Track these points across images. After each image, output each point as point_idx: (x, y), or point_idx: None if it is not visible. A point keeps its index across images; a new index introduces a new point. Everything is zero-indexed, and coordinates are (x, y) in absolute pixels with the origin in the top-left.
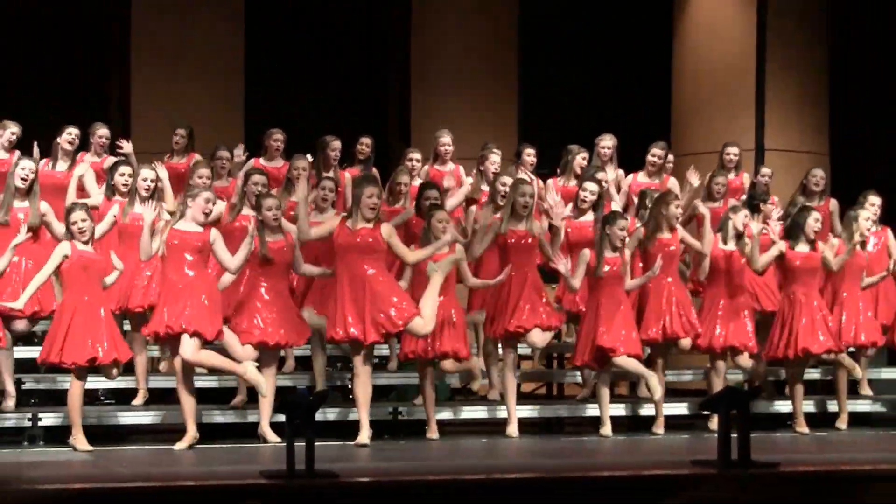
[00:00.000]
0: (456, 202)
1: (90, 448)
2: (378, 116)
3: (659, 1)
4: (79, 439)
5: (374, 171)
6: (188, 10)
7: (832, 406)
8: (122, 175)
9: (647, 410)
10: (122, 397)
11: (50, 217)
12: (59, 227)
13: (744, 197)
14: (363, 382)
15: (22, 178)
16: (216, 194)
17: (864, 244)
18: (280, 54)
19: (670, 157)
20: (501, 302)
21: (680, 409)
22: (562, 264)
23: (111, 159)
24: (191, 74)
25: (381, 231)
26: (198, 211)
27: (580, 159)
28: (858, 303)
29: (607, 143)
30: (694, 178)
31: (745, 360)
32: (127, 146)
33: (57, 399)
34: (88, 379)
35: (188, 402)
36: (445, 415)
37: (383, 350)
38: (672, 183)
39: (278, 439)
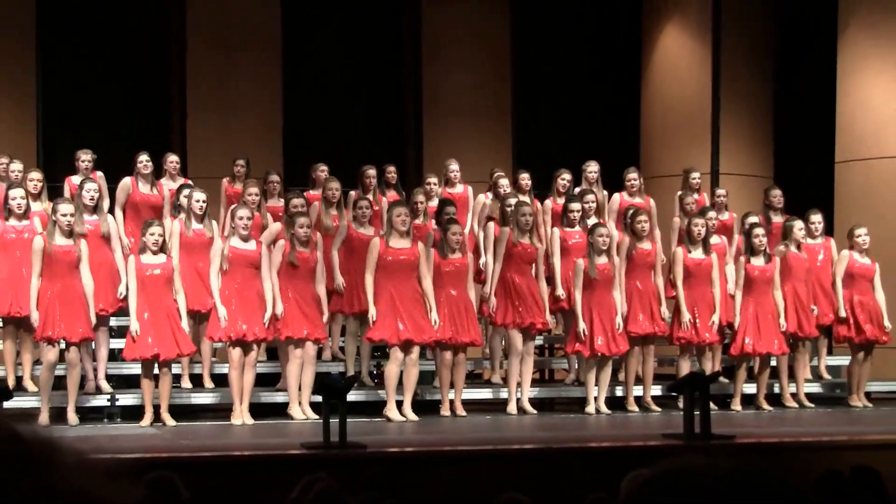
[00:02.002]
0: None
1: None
2: (396, 144)
3: (630, 48)
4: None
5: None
6: (234, 49)
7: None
8: (188, 198)
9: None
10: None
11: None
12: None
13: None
14: (391, 370)
15: (89, 199)
16: (269, 212)
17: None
18: (313, 89)
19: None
20: (505, 300)
21: (655, 391)
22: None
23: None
24: (237, 107)
25: (418, 248)
26: (239, 228)
27: (560, 180)
28: (794, 301)
29: (593, 168)
30: None
31: (710, 350)
32: None
33: (131, 383)
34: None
35: (239, 385)
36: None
37: None
38: (651, 203)
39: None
